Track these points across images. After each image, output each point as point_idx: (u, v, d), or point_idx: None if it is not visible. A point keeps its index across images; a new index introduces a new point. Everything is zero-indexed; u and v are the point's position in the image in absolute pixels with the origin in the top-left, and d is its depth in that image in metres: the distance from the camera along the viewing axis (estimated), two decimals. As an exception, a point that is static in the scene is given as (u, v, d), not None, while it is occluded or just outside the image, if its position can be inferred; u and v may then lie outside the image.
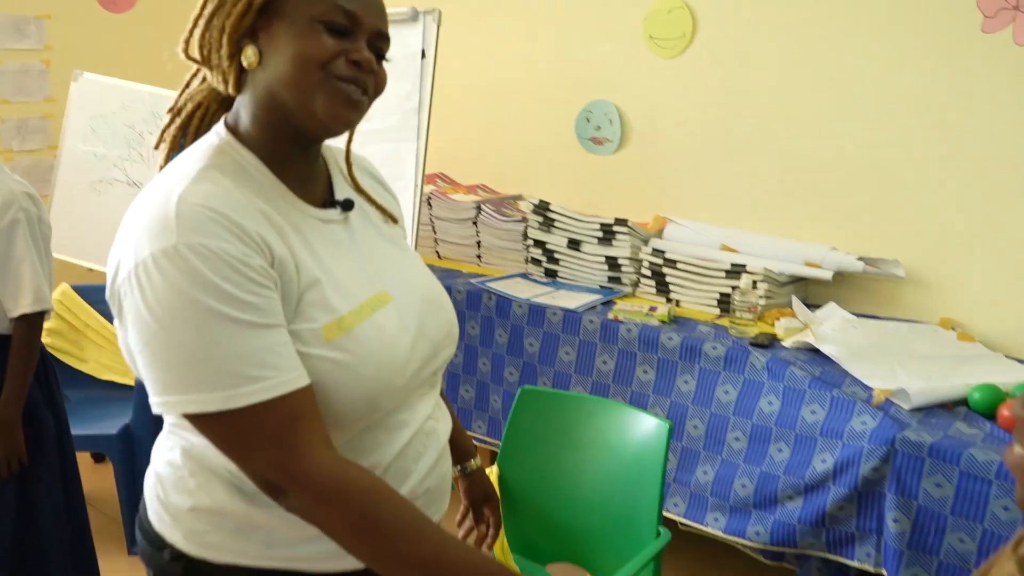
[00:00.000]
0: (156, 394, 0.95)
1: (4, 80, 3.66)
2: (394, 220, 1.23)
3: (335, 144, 1.18)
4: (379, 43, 1.06)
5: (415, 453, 1.12)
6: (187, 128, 1.11)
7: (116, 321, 1.01)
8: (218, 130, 1.06)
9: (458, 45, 3.29)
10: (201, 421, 0.94)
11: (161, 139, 1.11)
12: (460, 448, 1.47)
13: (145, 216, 0.95)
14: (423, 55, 2.76)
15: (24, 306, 2.03)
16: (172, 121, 1.11)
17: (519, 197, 3.36)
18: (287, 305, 0.98)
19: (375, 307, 1.07)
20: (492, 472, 2.02)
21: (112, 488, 2.88)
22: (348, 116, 1.04)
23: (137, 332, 0.94)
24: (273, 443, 0.94)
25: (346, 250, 1.10)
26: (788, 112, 2.78)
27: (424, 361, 1.12)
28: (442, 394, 1.30)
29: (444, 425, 1.22)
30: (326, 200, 1.13)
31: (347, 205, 1.13)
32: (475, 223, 3.15)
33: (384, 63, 1.08)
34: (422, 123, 2.76)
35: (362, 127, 1.10)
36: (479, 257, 3.20)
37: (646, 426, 1.98)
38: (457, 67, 3.36)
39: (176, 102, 1.12)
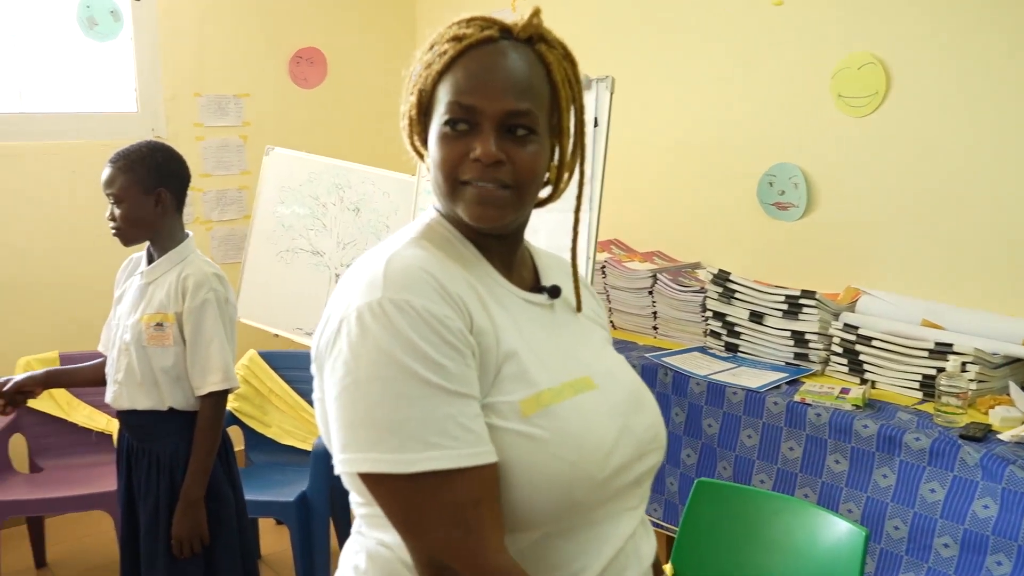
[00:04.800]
0: (337, 451, 0.93)
1: (207, 154, 3.93)
2: (603, 327, 1.21)
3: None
4: (514, 121, 0.98)
5: (615, 574, 1.02)
6: None
7: (316, 383, 1.00)
8: (430, 210, 1.09)
9: (632, 108, 3.22)
10: (375, 484, 0.91)
11: None
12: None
13: (356, 278, 0.97)
14: (595, 123, 2.70)
15: (212, 384, 2.09)
16: None
17: (697, 265, 3.22)
18: (484, 376, 0.95)
19: (578, 389, 1.01)
20: (667, 570, 1.88)
21: (289, 550, 2.94)
22: (490, 214, 1.00)
23: (331, 387, 0.93)
24: (450, 521, 0.88)
25: (550, 331, 1.07)
26: (994, 172, 2.51)
27: (628, 460, 1.03)
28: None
29: (648, 547, 1.11)
30: (533, 286, 1.12)
31: (555, 292, 1.12)
32: (651, 293, 3.04)
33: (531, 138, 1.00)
34: (595, 192, 2.70)
35: None
36: (655, 328, 3.07)
37: (838, 531, 1.78)
38: (631, 130, 3.28)
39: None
